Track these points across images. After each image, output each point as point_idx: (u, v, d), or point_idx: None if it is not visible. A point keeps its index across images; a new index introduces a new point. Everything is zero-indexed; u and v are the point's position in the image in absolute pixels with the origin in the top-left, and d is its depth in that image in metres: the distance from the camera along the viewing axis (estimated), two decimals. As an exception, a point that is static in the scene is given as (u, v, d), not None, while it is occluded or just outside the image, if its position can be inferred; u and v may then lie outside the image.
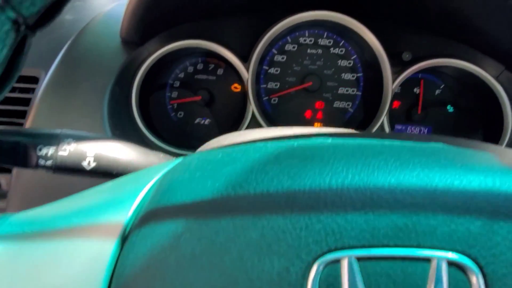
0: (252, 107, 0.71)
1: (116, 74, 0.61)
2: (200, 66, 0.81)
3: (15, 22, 0.25)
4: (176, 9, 0.62)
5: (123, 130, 0.60)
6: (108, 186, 0.30)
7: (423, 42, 0.70)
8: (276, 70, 0.82)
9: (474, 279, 0.21)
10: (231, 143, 0.38)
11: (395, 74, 0.70)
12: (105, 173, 0.43)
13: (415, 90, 0.81)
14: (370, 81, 0.80)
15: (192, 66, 0.80)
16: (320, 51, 0.81)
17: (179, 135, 0.81)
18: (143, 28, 0.61)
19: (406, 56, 0.67)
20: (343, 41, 0.80)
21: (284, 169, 0.25)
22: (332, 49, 0.81)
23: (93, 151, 0.42)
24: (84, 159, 0.41)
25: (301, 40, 0.80)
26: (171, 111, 0.81)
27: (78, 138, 0.41)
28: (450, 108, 0.81)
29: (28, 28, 0.26)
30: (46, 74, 0.61)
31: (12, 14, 0.25)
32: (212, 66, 0.81)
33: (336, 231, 0.21)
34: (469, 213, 0.22)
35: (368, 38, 0.70)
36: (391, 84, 0.69)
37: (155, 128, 0.74)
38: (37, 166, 0.40)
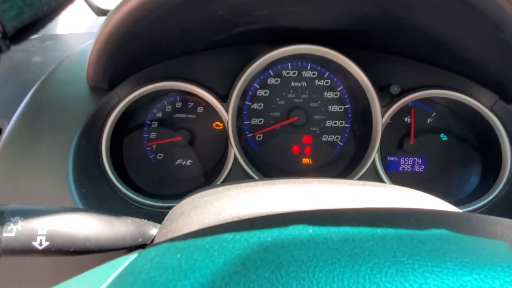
0: (233, 151, 0.66)
1: (82, 125, 0.56)
2: (178, 105, 0.76)
3: None
4: (144, 53, 0.58)
5: (92, 186, 0.55)
6: None
7: (412, 73, 0.66)
8: (260, 106, 0.77)
9: None
10: (206, 216, 0.34)
11: (384, 107, 0.66)
12: (61, 251, 0.38)
13: (406, 119, 0.77)
14: (358, 112, 0.76)
15: (170, 105, 0.76)
16: (304, 83, 0.77)
17: (158, 179, 0.76)
18: (110, 74, 0.56)
19: (395, 89, 0.63)
20: (328, 73, 0.76)
21: (254, 284, 0.20)
22: (317, 81, 0.77)
23: (45, 227, 0.36)
24: (35, 239, 0.36)
25: (284, 73, 0.77)
26: (149, 153, 0.76)
27: (27, 214, 0.36)
28: (443, 137, 0.77)
29: (4, 40, 0.22)
30: (3, 130, 0.56)
31: None
32: (191, 104, 0.76)
33: None
34: None
35: (353, 71, 0.67)
36: (380, 118, 0.65)
37: (129, 179, 0.68)
38: (-23, 251, 0.34)
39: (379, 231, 0.23)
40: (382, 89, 0.66)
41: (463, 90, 0.63)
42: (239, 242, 0.23)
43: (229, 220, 0.32)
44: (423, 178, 0.78)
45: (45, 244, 0.36)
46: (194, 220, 0.37)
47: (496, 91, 0.61)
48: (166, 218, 0.41)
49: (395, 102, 0.65)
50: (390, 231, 0.23)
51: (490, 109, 0.62)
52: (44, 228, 0.36)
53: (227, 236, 0.24)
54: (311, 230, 0.24)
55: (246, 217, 0.32)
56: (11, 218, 0.35)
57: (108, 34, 0.49)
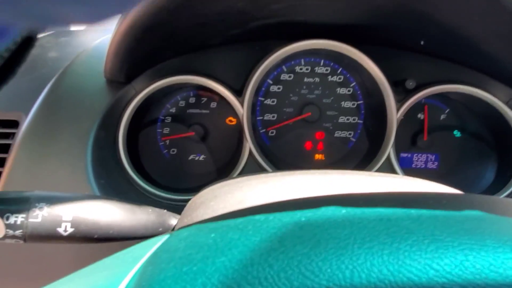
0: (249, 145, 0.66)
1: (100, 117, 0.56)
2: (192, 100, 0.76)
3: None
4: (161, 46, 0.58)
5: (109, 178, 0.56)
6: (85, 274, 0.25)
7: (427, 68, 0.66)
8: (273, 101, 0.77)
9: None
10: (226, 205, 0.34)
11: (399, 102, 0.66)
12: (85, 238, 0.38)
13: (419, 116, 0.77)
14: (371, 108, 0.76)
15: (183, 101, 0.76)
16: (317, 79, 0.77)
17: (172, 174, 0.76)
18: (127, 67, 0.57)
19: (410, 84, 0.63)
20: (341, 69, 0.76)
21: (293, 260, 0.20)
22: (330, 77, 0.77)
23: (70, 214, 0.37)
24: (60, 225, 0.36)
25: (297, 69, 0.77)
26: (163, 148, 0.77)
27: (52, 201, 0.36)
28: (457, 133, 0.77)
29: None
30: (27, 117, 0.56)
31: None
32: (204, 99, 0.77)
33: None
34: None
35: (368, 66, 0.67)
36: (395, 114, 0.65)
37: (145, 172, 0.69)
38: (4, 237, 0.34)
39: (414, 211, 0.23)
40: (397, 84, 0.66)
41: (479, 85, 0.63)
42: (273, 222, 0.23)
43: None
44: (437, 174, 0.78)
45: (70, 230, 0.37)
46: (214, 209, 0.37)
47: (511, 85, 0.61)
48: (186, 208, 0.42)
49: (410, 97, 0.65)
50: (425, 211, 0.23)
51: (507, 103, 0.62)
52: (69, 215, 0.37)
53: (260, 216, 0.24)
54: (344, 211, 0.24)
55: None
56: (37, 204, 0.36)
57: (128, 25, 0.49)
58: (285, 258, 0.20)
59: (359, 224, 0.22)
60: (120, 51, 0.53)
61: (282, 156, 0.78)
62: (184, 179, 0.76)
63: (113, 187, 0.55)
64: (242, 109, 0.65)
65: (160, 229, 0.42)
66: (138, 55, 0.57)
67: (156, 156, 0.75)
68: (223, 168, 0.76)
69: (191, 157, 0.77)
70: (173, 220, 0.43)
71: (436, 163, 0.78)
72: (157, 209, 0.42)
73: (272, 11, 0.55)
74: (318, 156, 0.79)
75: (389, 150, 0.66)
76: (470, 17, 0.50)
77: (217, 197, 0.39)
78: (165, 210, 0.43)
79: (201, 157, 0.77)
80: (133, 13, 0.47)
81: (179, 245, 0.23)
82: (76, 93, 0.59)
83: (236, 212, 0.27)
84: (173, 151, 0.77)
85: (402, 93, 0.66)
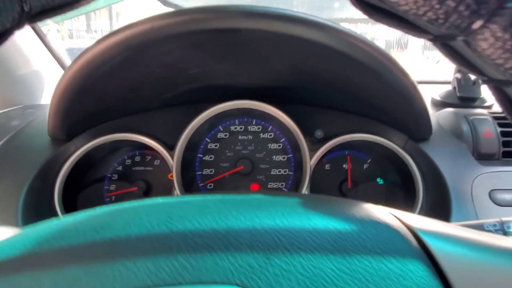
0: (176, 192, 0.73)
1: (38, 168, 0.63)
2: (137, 159, 0.84)
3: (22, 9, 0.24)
4: (99, 108, 0.68)
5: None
6: None
7: (337, 121, 0.76)
8: (210, 157, 0.85)
9: None
10: None
11: (312, 151, 0.74)
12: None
13: (344, 166, 0.84)
14: (299, 161, 0.84)
15: (130, 159, 0.84)
16: (250, 136, 0.86)
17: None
18: (67, 126, 0.66)
19: (318, 134, 0.72)
20: (271, 127, 0.86)
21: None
22: (261, 134, 0.86)
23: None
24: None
25: (232, 128, 0.86)
26: (108, 203, 0.82)
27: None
28: (380, 181, 0.84)
29: (26, 16, 0.24)
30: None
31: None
32: (149, 157, 0.85)
33: (124, 275, 0.22)
34: (250, 249, 0.24)
35: (286, 122, 0.76)
36: (309, 161, 0.73)
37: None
38: None
39: (211, 197, 0.30)
40: (310, 135, 0.75)
41: (379, 133, 0.72)
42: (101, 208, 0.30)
43: None
44: (365, 220, 0.83)
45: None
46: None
47: (405, 132, 0.70)
48: None
49: (321, 146, 0.74)
50: (219, 196, 0.30)
51: (403, 148, 0.70)
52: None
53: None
54: (160, 200, 0.30)
55: None
56: None
57: (63, 89, 0.59)
58: (88, 222, 0.26)
59: (160, 204, 0.28)
60: (58, 112, 0.62)
61: (220, 208, 0.84)
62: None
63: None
64: (172, 162, 0.73)
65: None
66: (77, 116, 0.66)
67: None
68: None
69: (135, 211, 0.82)
70: None
71: (364, 209, 0.84)
72: None
73: (191, 76, 0.66)
74: (254, 207, 0.84)
75: (304, 192, 0.73)
76: (347, 76, 0.61)
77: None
78: None
79: (145, 211, 0.83)
80: (66, 77, 0.57)
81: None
82: (21, 150, 0.66)
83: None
84: (118, 206, 0.82)
85: (315, 144, 0.75)
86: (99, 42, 0.53)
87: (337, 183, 0.84)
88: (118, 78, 0.60)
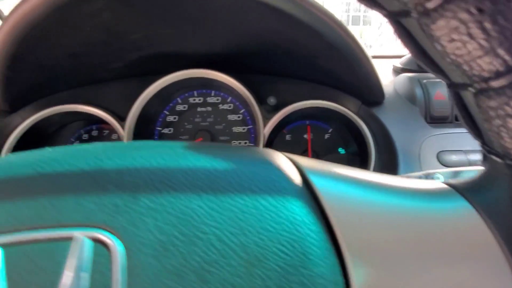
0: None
1: (-22, 140, 0.61)
2: (95, 133, 0.83)
3: None
4: (42, 76, 0.66)
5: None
6: None
7: (291, 89, 0.74)
8: (170, 130, 0.84)
9: (114, 249, 0.20)
10: None
11: (267, 119, 0.73)
12: None
13: (304, 136, 0.83)
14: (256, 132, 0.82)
15: (87, 134, 0.82)
16: (209, 108, 0.84)
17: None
18: (11, 97, 0.64)
19: (271, 101, 0.70)
20: (230, 98, 0.84)
21: None
22: (220, 105, 0.85)
23: None
24: None
25: (191, 100, 0.85)
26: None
27: None
28: (342, 151, 0.83)
29: None
30: None
31: None
32: (106, 132, 0.83)
33: None
34: (117, 188, 0.22)
35: (241, 91, 0.75)
36: (262, 130, 0.71)
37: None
38: None
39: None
40: (262, 103, 0.73)
41: (334, 99, 0.70)
42: None
43: None
44: (326, 190, 0.82)
45: None
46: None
47: (358, 97, 0.69)
48: None
49: (275, 113, 0.72)
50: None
51: (357, 113, 0.69)
52: None
53: None
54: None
55: None
56: None
57: (-3, 57, 0.57)
58: None
59: None
60: (-2, 81, 0.60)
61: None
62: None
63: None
64: (123, 132, 0.71)
65: None
66: (20, 86, 0.64)
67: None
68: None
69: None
70: None
71: (325, 179, 0.83)
72: None
73: (134, 42, 0.64)
74: (214, 179, 0.83)
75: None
76: (292, 37, 0.59)
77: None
78: None
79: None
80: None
81: None
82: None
83: None
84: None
85: (270, 112, 0.73)
86: (24, 1, 0.50)
87: (299, 153, 0.83)
88: (53, 42, 0.58)
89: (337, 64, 0.62)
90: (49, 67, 0.64)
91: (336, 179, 0.26)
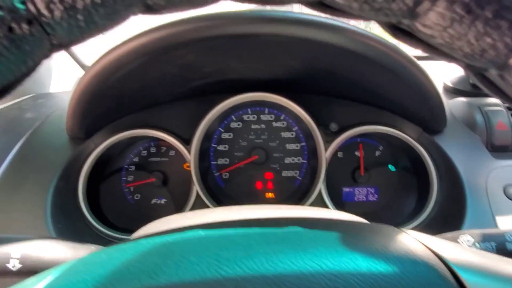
0: (195, 187, 0.75)
1: (61, 169, 0.65)
2: (153, 150, 0.86)
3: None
4: (115, 106, 0.68)
5: (67, 222, 0.63)
6: None
7: (349, 112, 0.76)
8: (225, 147, 0.87)
9: None
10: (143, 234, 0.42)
11: (327, 143, 0.75)
12: (31, 272, 0.45)
13: (356, 153, 0.85)
14: (312, 149, 0.85)
15: (145, 150, 0.86)
16: (263, 125, 0.87)
17: (136, 218, 0.83)
18: (85, 125, 0.67)
19: (333, 127, 0.72)
20: (283, 115, 0.86)
21: (147, 267, 0.28)
22: (274, 123, 0.87)
23: (19, 252, 0.44)
24: (8, 261, 0.44)
25: (245, 117, 0.87)
26: (128, 194, 0.85)
27: (3, 241, 0.44)
28: (392, 168, 0.85)
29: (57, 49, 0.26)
30: (-2, 172, 0.65)
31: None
32: (164, 148, 0.86)
33: None
34: None
35: (300, 113, 0.77)
36: (324, 153, 0.74)
37: (104, 216, 0.76)
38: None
39: (249, 230, 0.31)
40: (324, 127, 0.75)
41: (393, 124, 0.72)
42: (149, 244, 0.31)
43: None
44: (377, 206, 0.85)
45: (18, 266, 0.44)
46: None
47: (419, 124, 0.70)
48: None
49: (336, 138, 0.75)
50: (256, 230, 0.31)
51: (417, 140, 0.71)
52: (17, 252, 0.44)
53: (143, 241, 0.32)
54: (201, 233, 0.32)
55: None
56: (-10, 244, 0.43)
57: (81, 92, 0.59)
58: (140, 265, 0.28)
59: (207, 242, 0.30)
60: (76, 113, 0.63)
61: (235, 196, 0.86)
62: (146, 222, 0.83)
63: (71, 230, 0.63)
64: (189, 156, 0.74)
65: (100, 263, 0.49)
66: (94, 115, 0.67)
67: (121, 203, 0.83)
68: (181, 210, 0.84)
69: (153, 201, 0.85)
70: None
71: (376, 195, 0.86)
72: (99, 246, 0.50)
73: (206, 73, 0.66)
74: (268, 195, 0.87)
75: (320, 186, 0.74)
76: (362, 73, 0.60)
77: (145, 231, 0.47)
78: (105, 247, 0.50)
79: (163, 201, 0.85)
80: (84, 81, 0.58)
81: (78, 262, 0.31)
82: (42, 149, 0.68)
83: (131, 239, 0.35)
84: (137, 196, 0.85)
85: (329, 135, 0.76)
86: (116, 48, 0.53)
87: (350, 171, 0.86)
88: (134, 80, 0.61)
89: (402, 95, 0.64)
90: (124, 98, 0.67)
91: (482, 273, 0.28)
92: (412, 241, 0.31)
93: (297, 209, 0.49)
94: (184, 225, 0.41)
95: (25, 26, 0.25)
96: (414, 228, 0.69)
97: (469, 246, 0.42)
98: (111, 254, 0.31)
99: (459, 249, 0.31)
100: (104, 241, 0.68)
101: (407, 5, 0.21)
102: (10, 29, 0.25)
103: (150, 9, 0.26)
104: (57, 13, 0.25)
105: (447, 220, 0.64)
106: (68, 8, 0.25)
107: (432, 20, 0.21)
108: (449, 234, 0.45)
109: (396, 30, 0.25)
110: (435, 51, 0.25)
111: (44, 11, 0.24)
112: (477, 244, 0.42)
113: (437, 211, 0.66)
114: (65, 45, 0.26)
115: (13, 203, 0.61)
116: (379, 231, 0.32)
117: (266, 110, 0.87)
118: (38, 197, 0.61)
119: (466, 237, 0.43)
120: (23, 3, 0.24)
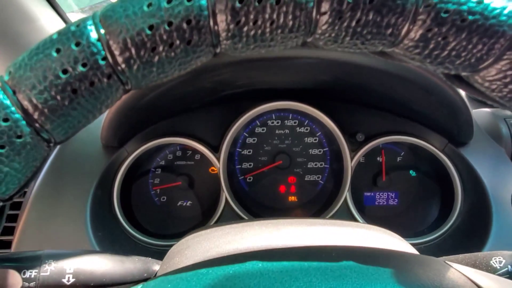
0: (225, 195, 0.77)
1: (97, 179, 0.67)
2: (179, 153, 0.88)
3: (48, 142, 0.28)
4: (148, 117, 0.70)
5: (106, 230, 0.66)
6: None
7: (375, 121, 0.78)
8: (249, 152, 0.89)
9: None
10: (197, 253, 0.44)
11: (353, 151, 0.77)
12: (83, 286, 0.48)
13: (378, 159, 0.87)
14: (335, 154, 0.86)
15: (171, 154, 0.88)
16: (287, 131, 0.88)
17: (162, 220, 0.86)
18: (120, 135, 0.68)
19: (360, 137, 0.74)
20: (307, 121, 0.88)
21: None
22: (298, 128, 0.88)
23: (72, 267, 0.47)
24: (64, 276, 0.46)
25: (269, 122, 0.88)
26: (154, 197, 0.87)
27: (58, 257, 0.47)
28: (412, 173, 0.87)
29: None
30: (34, 185, 0.67)
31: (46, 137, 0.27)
32: (190, 152, 0.88)
33: None
34: None
35: (326, 122, 0.78)
36: (349, 161, 0.76)
37: (137, 222, 0.79)
38: (21, 288, 0.45)
39: (306, 264, 0.33)
40: (350, 136, 0.77)
41: (419, 135, 0.74)
42: (211, 275, 0.34)
43: (214, 257, 0.42)
44: (397, 210, 0.87)
45: (72, 280, 0.47)
46: (188, 257, 0.47)
47: (445, 136, 0.72)
48: (166, 256, 0.52)
49: (361, 148, 0.76)
50: (314, 264, 0.33)
51: (442, 151, 0.72)
52: (71, 267, 0.47)
53: (203, 270, 0.35)
54: (260, 265, 0.34)
55: (225, 254, 0.42)
56: (46, 261, 0.46)
57: (117, 108, 0.61)
58: None
59: (265, 275, 0.32)
60: (112, 125, 0.65)
61: (259, 199, 0.89)
62: (173, 224, 0.86)
63: (109, 238, 0.66)
64: (218, 163, 0.77)
65: (145, 275, 0.52)
66: (128, 126, 0.69)
67: (148, 205, 0.86)
68: (207, 212, 0.87)
69: (179, 203, 0.88)
70: (156, 266, 0.53)
71: (396, 200, 0.88)
72: (142, 258, 0.53)
73: (237, 86, 0.67)
74: (291, 198, 0.89)
75: (346, 194, 0.76)
76: (393, 88, 0.62)
77: (189, 247, 0.50)
78: (150, 258, 0.53)
79: (188, 203, 0.88)
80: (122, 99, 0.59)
81: None
82: (77, 158, 0.70)
83: (190, 266, 0.37)
84: (163, 198, 0.88)
85: (355, 144, 0.77)
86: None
87: (371, 175, 0.88)
88: (170, 94, 0.62)
89: (432, 108, 0.65)
90: (156, 109, 0.68)
91: None
92: (462, 278, 0.33)
93: (338, 226, 0.51)
94: (235, 249, 0.43)
95: (105, 80, 0.27)
96: (438, 237, 0.71)
97: (501, 267, 0.45)
98: (176, 285, 0.34)
99: (507, 286, 0.33)
100: (140, 246, 0.71)
101: (470, 62, 0.23)
102: (92, 84, 0.27)
103: (217, 56, 0.28)
104: (135, 67, 0.27)
105: (472, 231, 0.66)
106: (145, 62, 0.27)
107: (491, 75, 0.23)
108: (480, 254, 0.47)
109: (452, 77, 0.27)
110: (491, 100, 0.26)
111: (123, 65, 0.26)
112: (510, 267, 0.44)
113: (460, 222, 0.69)
114: (135, 88, 0.29)
115: (55, 212, 0.63)
116: (430, 264, 0.34)
117: (290, 116, 0.88)
118: (78, 207, 0.64)
119: (499, 258, 0.45)
120: (104, 59, 0.26)
